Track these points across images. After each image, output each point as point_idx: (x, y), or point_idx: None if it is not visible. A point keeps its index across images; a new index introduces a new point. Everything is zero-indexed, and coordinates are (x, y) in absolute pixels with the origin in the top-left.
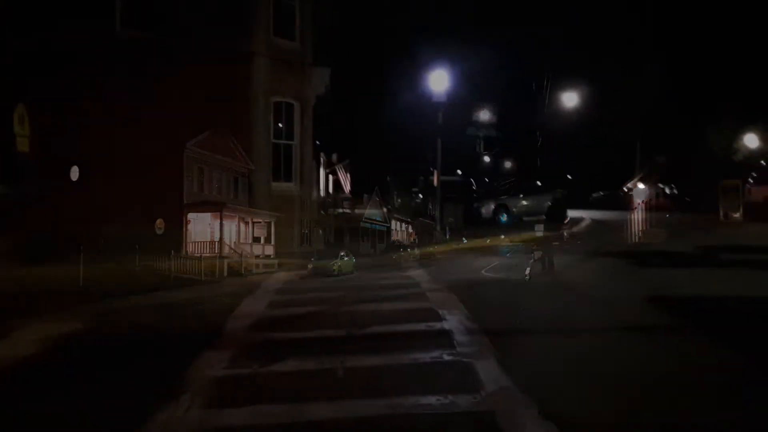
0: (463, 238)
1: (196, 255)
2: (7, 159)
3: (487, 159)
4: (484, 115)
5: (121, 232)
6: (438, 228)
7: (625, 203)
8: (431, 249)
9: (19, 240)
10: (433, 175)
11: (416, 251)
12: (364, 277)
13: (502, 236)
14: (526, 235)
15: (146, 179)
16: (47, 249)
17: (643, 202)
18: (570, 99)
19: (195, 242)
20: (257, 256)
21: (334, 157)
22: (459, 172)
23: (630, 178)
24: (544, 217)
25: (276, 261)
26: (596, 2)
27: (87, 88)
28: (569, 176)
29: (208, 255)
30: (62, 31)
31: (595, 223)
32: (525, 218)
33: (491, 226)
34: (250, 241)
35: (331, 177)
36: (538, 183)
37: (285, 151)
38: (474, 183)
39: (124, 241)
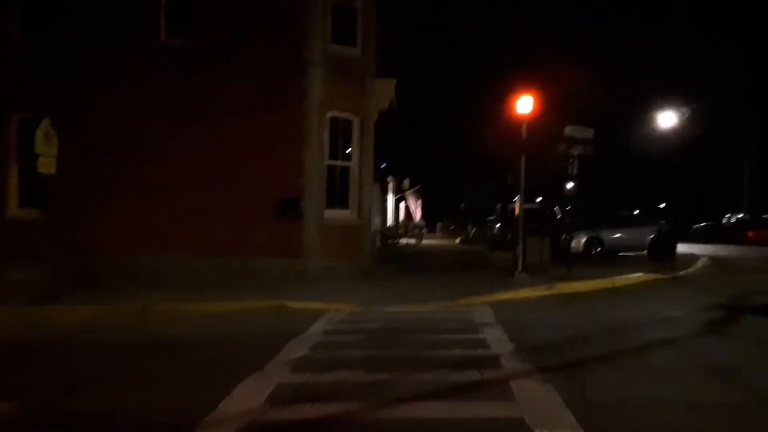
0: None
1: None
2: (35, 179)
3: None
4: (580, 131)
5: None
6: (519, 267)
7: (732, 235)
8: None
9: (55, 269)
10: (513, 202)
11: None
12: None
13: (638, 274)
14: (639, 275)
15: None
16: (88, 280)
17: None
18: (667, 119)
19: None
20: None
21: (406, 183)
22: (538, 199)
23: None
24: (645, 252)
25: None
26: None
27: (125, 100)
28: (661, 205)
29: None
30: (98, 39)
31: (714, 261)
32: (622, 253)
33: (584, 262)
34: None
35: (402, 204)
36: (635, 212)
37: (342, 174)
38: (559, 212)
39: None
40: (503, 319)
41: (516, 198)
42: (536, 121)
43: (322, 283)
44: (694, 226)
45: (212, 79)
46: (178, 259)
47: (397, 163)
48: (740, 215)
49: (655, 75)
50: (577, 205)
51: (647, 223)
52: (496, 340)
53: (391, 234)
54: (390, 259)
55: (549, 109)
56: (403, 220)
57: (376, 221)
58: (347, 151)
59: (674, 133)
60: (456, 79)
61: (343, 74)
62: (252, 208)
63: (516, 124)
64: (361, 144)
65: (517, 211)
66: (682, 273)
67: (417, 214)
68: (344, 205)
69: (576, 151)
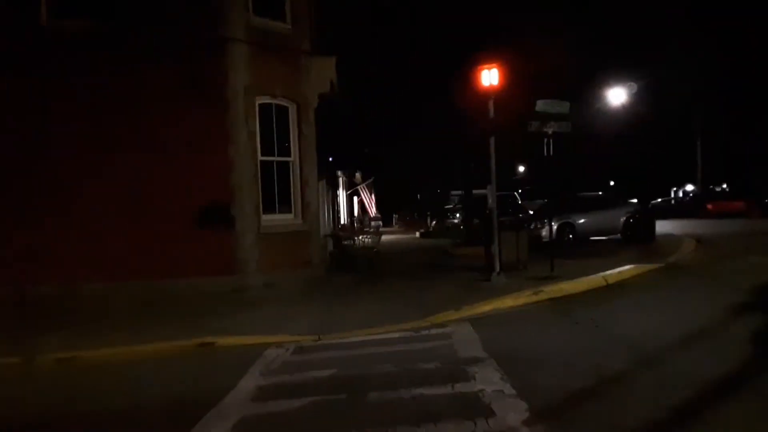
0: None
1: None
2: None
3: (521, 168)
4: (554, 106)
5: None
6: (496, 268)
7: (691, 209)
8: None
9: None
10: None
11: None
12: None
13: (628, 266)
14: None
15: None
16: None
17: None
18: (616, 96)
19: None
20: None
21: (358, 176)
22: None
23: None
24: (618, 236)
25: None
26: None
27: (7, 96)
28: (612, 182)
29: None
30: None
31: (697, 241)
32: (593, 238)
33: (558, 252)
34: None
35: (356, 198)
36: (600, 194)
37: (280, 171)
38: (518, 197)
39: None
40: (493, 346)
41: (487, 188)
42: (504, 97)
43: (263, 304)
44: (651, 202)
45: (118, 68)
46: (83, 287)
47: (346, 155)
48: (689, 189)
49: (607, 49)
50: (533, 190)
51: (618, 205)
52: (497, 393)
53: (345, 234)
54: (345, 265)
55: (517, 83)
56: (358, 216)
57: (326, 223)
58: (285, 145)
59: (623, 109)
60: (409, 56)
61: (273, 53)
62: (173, 218)
63: (482, 100)
64: (301, 134)
65: (489, 202)
66: (672, 259)
67: (372, 209)
68: (286, 207)
69: (550, 128)
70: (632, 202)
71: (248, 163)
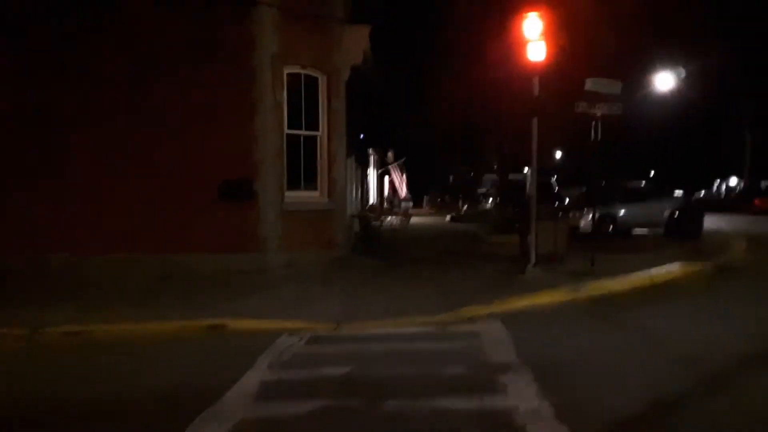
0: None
1: None
2: None
3: (558, 153)
4: (605, 85)
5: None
6: (532, 260)
7: (737, 204)
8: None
9: None
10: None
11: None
12: None
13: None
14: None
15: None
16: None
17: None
18: (664, 81)
19: None
20: None
21: (390, 155)
22: (525, 169)
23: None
24: (661, 230)
25: None
26: None
27: (11, 56)
28: (652, 172)
29: None
30: None
31: (748, 241)
32: (637, 231)
33: (598, 245)
34: None
35: (386, 178)
36: (643, 184)
37: (307, 146)
38: (555, 184)
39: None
40: (527, 351)
41: (526, 173)
42: (550, 74)
43: (281, 285)
44: (694, 194)
45: (132, 28)
46: (98, 260)
47: (379, 133)
48: (733, 182)
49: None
50: (570, 177)
51: (663, 197)
52: (532, 413)
53: (373, 215)
54: (371, 247)
55: (563, 60)
56: (388, 196)
57: (353, 202)
58: (313, 118)
59: (670, 96)
60: (448, 27)
61: (304, 19)
62: (192, 192)
63: (526, 76)
64: (330, 108)
65: (528, 189)
66: (723, 260)
67: (403, 189)
68: (311, 184)
69: (600, 110)
70: (678, 195)
71: (274, 136)
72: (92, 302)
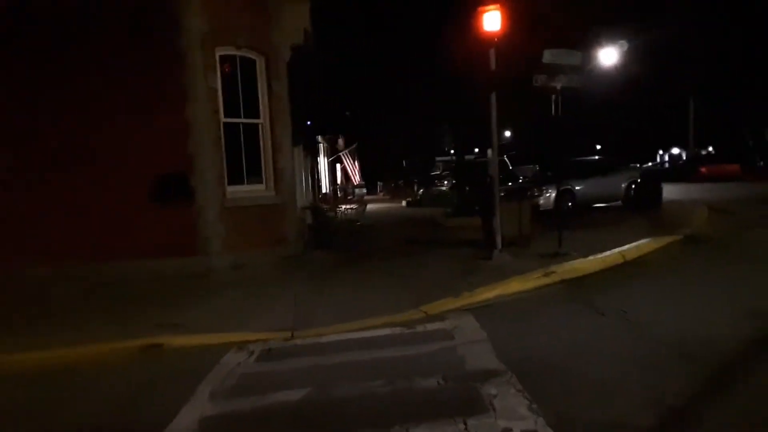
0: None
1: None
2: None
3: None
4: (564, 56)
5: None
6: (498, 245)
7: (684, 173)
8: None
9: None
10: (454, 154)
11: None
12: None
13: (645, 240)
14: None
15: None
16: None
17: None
18: (607, 56)
19: None
20: None
21: (341, 142)
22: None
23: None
24: (619, 203)
25: None
26: None
27: None
28: (598, 146)
29: None
30: None
31: (709, 209)
32: (595, 205)
33: (558, 222)
34: None
35: (338, 166)
36: (597, 158)
37: (248, 135)
38: (509, 163)
39: None
40: (508, 350)
41: (487, 153)
42: (507, 44)
43: (228, 290)
44: (640, 165)
45: (48, 6)
46: (19, 272)
47: (326, 119)
48: (675, 152)
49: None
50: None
51: (619, 170)
52: None
53: (327, 205)
54: (326, 241)
55: (522, 29)
56: (341, 184)
57: (305, 194)
58: (253, 105)
59: (614, 71)
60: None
61: None
62: (124, 191)
63: (482, 48)
64: (271, 92)
65: (490, 169)
66: (689, 231)
67: (356, 177)
68: (256, 177)
69: (559, 82)
70: (634, 166)
71: (209, 125)
72: (12, 322)
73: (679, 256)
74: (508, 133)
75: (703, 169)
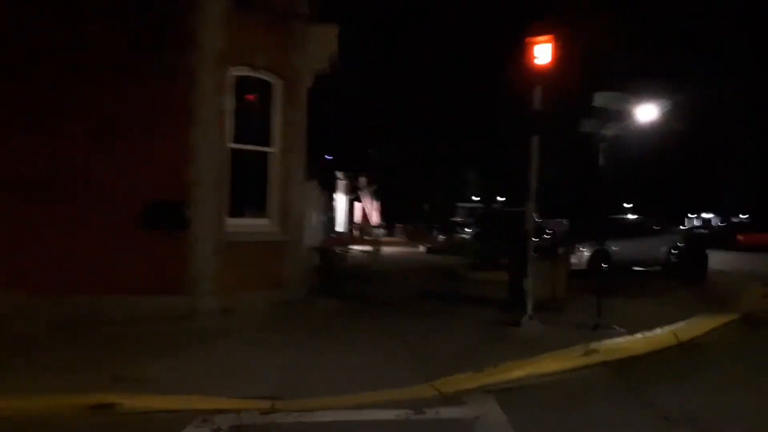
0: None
1: None
2: None
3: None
4: (616, 100)
5: None
6: (528, 310)
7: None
8: None
9: None
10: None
11: None
12: None
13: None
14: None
15: None
16: None
17: None
18: (647, 112)
19: None
20: None
21: (362, 180)
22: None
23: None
24: (659, 268)
25: None
26: None
27: None
28: (625, 204)
29: None
30: None
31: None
32: (634, 269)
33: (606, 287)
34: None
35: (357, 205)
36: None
37: (256, 164)
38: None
39: None
40: None
41: (526, 204)
42: (554, 83)
43: (211, 340)
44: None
45: (44, 17)
46: None
47: (348, 154)
48: (706, 217)
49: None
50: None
51: (660, 232)
52: None
53: (338, 245)
54: (333, 286)
55: (570, 69)
56: (358, 224)
57: (316, 232)
58: (266, 132)
59: (650, 128)
60: (430, 27)
61: (258, 13)
62: (108, 217)
63: (528, 84)
64: (287, 120)
65: (528, 223)
66: (747, 309)
67: (374, 217)
68: (261, 211)
69: (610, 130)
70: (676, 229)
71: (214, 150)
72: None
73: (740, 340)
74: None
75: (740, 237)
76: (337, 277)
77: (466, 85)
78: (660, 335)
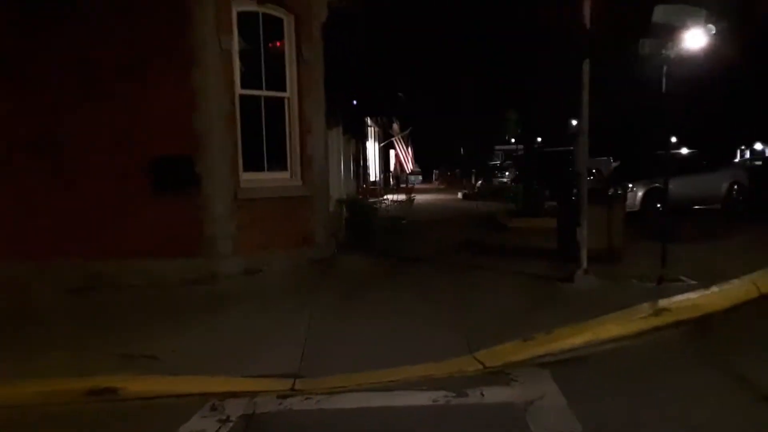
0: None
1: None
2: None
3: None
4: (681, 14)
5: None
6: (583, 263)
7: None
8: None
9: None
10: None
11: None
12: None
13: None
14: None
15: None
16: None
17: None
18: (694, 38)
19: None
20: None
21: (396, 127)
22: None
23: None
24: (719, 206)
25: None
26: None
27: None
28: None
29: None
30: None
31: None
32: (694, 208)
33: (652, 229)
34: None
35: (392, 152)
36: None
37: (270, 111)
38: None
39: None
40: None
41: (577, 141)
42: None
43: (232, 304)
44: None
45: None
46: None
47: (376, 98)
48: (758, 147)
49: None
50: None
51: (719, 168)
52: None
53: (369, 197)
54: (363, 241)
55: None
56: (395, 171)
57: (343, 184)
58: (278, 75)
59: (699, 55)
60: None
61: None
62: (115, 176)
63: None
64: (300, 60)
65: (580, 164)
66: None
67: (409, 164)
68: (279, 163)
69: (673, 49)
70: (737, 163)
71: (221, 97)
72: None
73: None
74: (574, 122)
75: None
76: (368, 231)
77: (498, 18)
78: (738, 287)
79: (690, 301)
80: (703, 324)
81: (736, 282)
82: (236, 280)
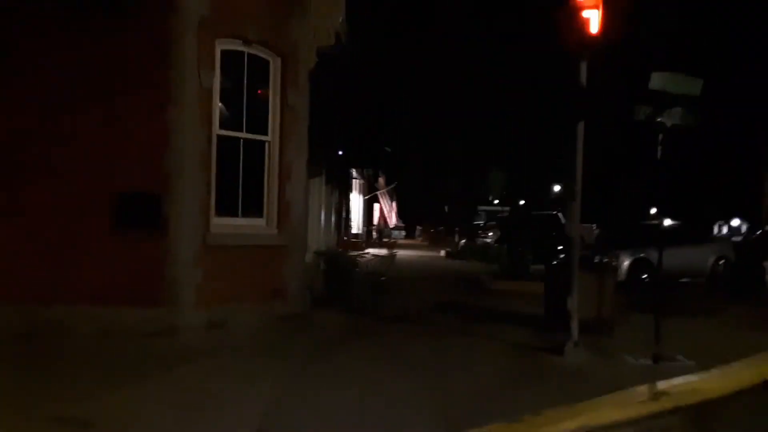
0: None
1: None
2: None
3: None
4: (678, 83)
5: None
6: (573, 335)
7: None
8: None
9: None
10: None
11: None
12: None
13: None
14: None
15: None
16: None
17: None
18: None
19: None
20: None
21: (381, 181)
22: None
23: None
24: (703, 280)
25: None
26: None
27: None
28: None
29: None
30: None
31: None
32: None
33: (652, 302)
34: None
35: (376, 206)
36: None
37: (248, 153)
38: (562, 219)
39: None
40: None
41: (568, 205)
42: (603, 59)
43: (188, 363)
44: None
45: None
46: None
47: (362, 149)
48: (734, 223)
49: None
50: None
51: (704, 240)
52: None
53: (348, 250)
54: (339, 297)
55: (619, 45)
56: (378, 225)
57: (324, 234)
58: (261, 118)
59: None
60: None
61: None
62: (75, 213)
63: (573, 55)
64: (285, 104)
65: (571, 228)
66: None
67: (392, 219)
68: (254, 210)
69: (670, 119)
70: (722, 237)
71: (197, 136)
72: None
73: None
74: (557, 188)
75: None
76: (346, 286)
77: (488, 75)
78: (740, 371)
79: (689, 384)
80: (704, 412)
81: (736, 365)
82: (198, 333)
